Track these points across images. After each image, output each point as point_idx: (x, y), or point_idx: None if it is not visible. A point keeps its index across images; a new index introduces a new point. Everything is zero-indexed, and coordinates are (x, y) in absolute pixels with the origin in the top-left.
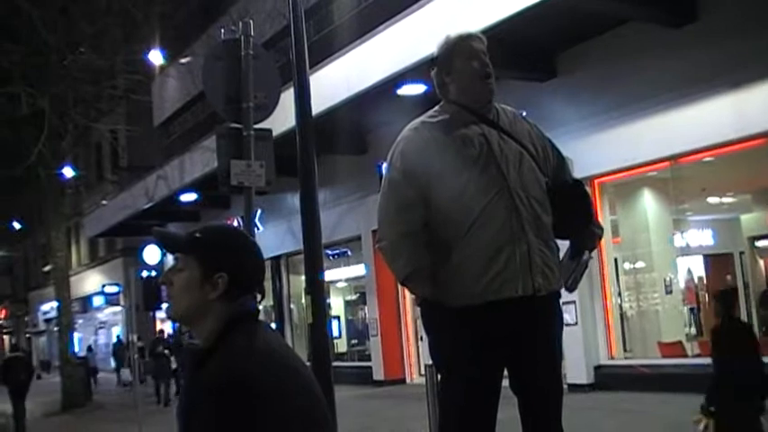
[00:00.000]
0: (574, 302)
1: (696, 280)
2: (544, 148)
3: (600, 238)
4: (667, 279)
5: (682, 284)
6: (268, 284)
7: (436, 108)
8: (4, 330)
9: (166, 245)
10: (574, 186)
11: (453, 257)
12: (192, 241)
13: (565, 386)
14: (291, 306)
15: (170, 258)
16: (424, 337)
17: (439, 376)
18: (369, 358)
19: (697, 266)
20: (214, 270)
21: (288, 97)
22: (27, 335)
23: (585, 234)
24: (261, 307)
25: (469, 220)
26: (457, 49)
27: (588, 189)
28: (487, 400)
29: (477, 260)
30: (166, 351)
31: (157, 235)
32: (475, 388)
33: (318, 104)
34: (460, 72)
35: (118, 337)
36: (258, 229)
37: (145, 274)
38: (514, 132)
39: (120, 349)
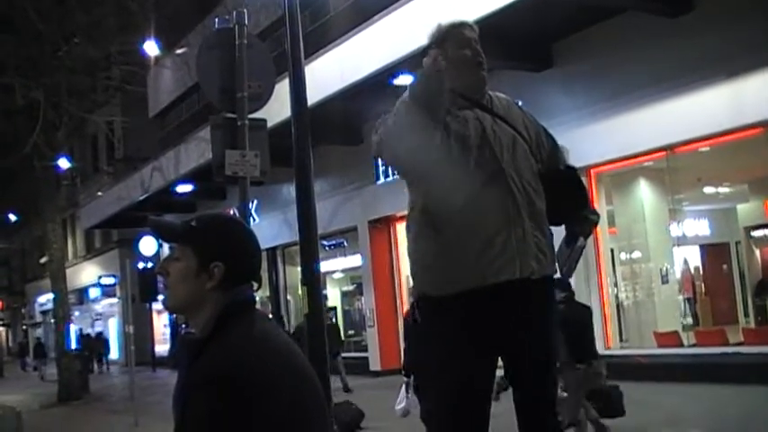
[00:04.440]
0: None
1: (692, 270)
2: (538, 134)
3: (595, 225)
4: (663, 269)
5: (678, 274)
6: (264, 275)
7: None
8: (2, 322)
9: (162, 234)
10: (567, 172)
11: (447, 239)
12: (187, 231)
13: None
14: (288, 297)
15: (166, 249)
16: None
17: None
18: (365, 349)
19: (693, 256)
20: (210, 259)
21: (283, 88)
22: (24, 327)
23: (580, 220)
24: (258, 297)
25: (464, 201)
26: (450, 36)
27: (584, 179)
28: (483, 392)
29: (474, 242)
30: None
31: (153, 224)
32: (470, 381)
33: (314, 95)
34: (453, 60)
35: (79, 329)
36: (254, 219)
37: (141, 265)
38: (509, 118)
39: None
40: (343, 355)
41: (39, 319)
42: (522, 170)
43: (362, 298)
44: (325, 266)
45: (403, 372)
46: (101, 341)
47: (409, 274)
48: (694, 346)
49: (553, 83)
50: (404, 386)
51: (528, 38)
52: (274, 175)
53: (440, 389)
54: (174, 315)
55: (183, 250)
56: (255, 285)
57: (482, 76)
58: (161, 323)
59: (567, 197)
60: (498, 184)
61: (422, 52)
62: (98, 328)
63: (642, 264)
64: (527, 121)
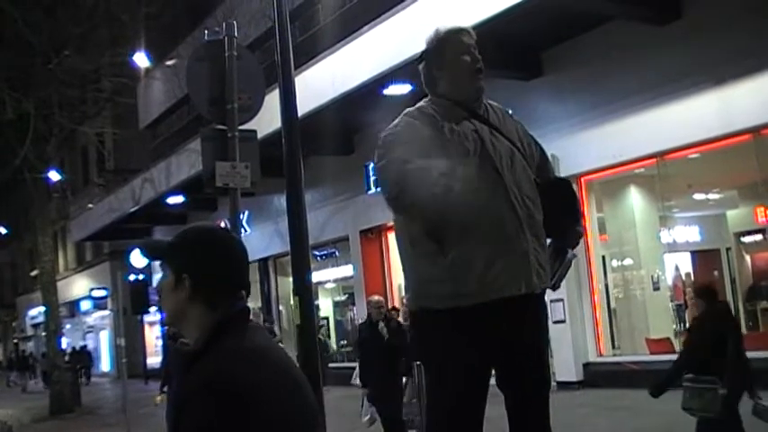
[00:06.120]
0: (562, 300)
1: (683, 276)
2: (529, 145)
3: (581, 237)
4: (655, 276)
5: (669, 281)
6: (256, 286)
7: (424, 102)
8: None
9: (148, 253)
10: (562, 184)
11: (451, 254)
12: (166, 246)
13: (554, 384)
14: (280, 308)
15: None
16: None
17: (426, 376)
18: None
19: (684, 263)
20: (180, 272)
21: (273, 98)
22: (15, 340)
23: (570, 232)
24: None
25: (468, 217)
26: (448, 42)
27: (574, 186)
28: (479, 402)
29: (478, 257)
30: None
31: (141, 245)
32: (467, 391)
33: (304, 105)
34: (452, 66)
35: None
36: (245, 230)
37: (132, 277)
38: (504, 129)
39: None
40: (336, 365)
41: (30, 332)
42: (522, 183)
43: (354, 308)
44: (316, 277)
45: (360, 383)
46: (85, 354)
47: (403, 285)
48: None
49: (543, 91)
50: (365, 397)
51: (517, 46)
52: (265, 185)
53: (438, 398)
54: (167, 327)
55: (165, 266)
56: (244, 294)
57: (480, 85)
58: (153, 335)
59: (563, 210)
60: (500, 199)
61: (418, 58)
62: (82, 342)
63: (633, 271)
64: (520, 132)
